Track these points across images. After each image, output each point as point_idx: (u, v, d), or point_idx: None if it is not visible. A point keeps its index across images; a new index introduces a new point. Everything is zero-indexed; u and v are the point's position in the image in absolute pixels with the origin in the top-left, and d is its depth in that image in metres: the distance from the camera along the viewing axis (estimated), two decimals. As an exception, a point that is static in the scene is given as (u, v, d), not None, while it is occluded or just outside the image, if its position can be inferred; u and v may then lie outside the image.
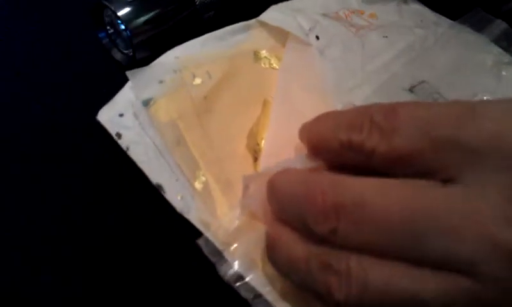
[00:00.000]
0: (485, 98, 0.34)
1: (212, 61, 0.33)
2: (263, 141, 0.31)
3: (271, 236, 0.25)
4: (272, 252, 0.25)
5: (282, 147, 0.29)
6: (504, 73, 0.36)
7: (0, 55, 0.37)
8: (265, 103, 0.32)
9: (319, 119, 0.26)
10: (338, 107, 0.32)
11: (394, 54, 0.36)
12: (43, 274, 0.28)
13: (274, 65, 0.34)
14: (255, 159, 0.30)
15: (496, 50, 0.37)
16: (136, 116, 0.30)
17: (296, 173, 0.24)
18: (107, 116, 0.30)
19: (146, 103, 0.30)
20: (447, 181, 0.21)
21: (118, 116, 0.30)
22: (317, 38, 0.35)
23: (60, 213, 0.30)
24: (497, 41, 0.38)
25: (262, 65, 0.34)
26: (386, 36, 0.37)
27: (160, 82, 0.31)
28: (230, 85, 0.32)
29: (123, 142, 0.30)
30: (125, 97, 0.31)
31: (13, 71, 0.36)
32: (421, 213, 0.20)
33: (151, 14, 0.34)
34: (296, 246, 0.24)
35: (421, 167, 0.22)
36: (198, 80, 0.32)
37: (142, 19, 0.34)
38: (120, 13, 0.33)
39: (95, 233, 0.29)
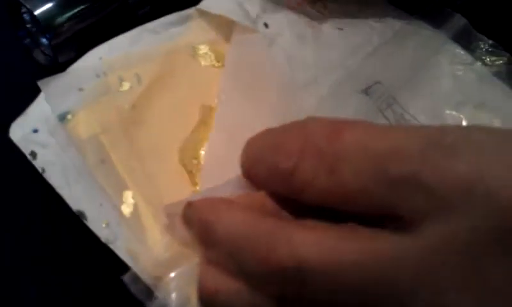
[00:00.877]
0: (447, 110, 0.32)
1: (142, 62, 0.29)
2: (201, 154, 0.27)
3: (203, 282, 0.22)
4: (205, 300, 0.22)
5: (225, 163, 0.26)
6: (461, 74, 0.33)
7: None
8: (203, 109, 0.28)
9: (253, 138, 0.22)
10: (292, 111, 0.28)
11: (350, 49, 0.33)
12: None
13: (216, 63, 0.30)
14: (191, 176, 0.27)
15: (454, 49, 0.34)
16: (51, 133, 0.26)
17: (234, 215, 0.20)
18: (19, 133, 0.27)
19: (63, 117, 0.26)
20: (400, 225, 0.18)
21: (32, 132, 0.27)
22: (266, 25, 0.32)
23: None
24: (456, 38, 0.35)
25: (202, 63, 0.30)
26: (341, 29, 0.34)
27: (80, 90, 0.27)
28: (163, 89, 0.28)
29: (38, 163, 0.26)
30: (39, 109, 0.27)
31: None
32: (369, 279, 0.18)
33: (73, 10, 0.30)
34: (235, 300, 0.21)
35: (372, 206, 0.18)
36: (125, 86, 0.28)
37: (63, 17, 0.30)
38: (37, 11, 0.29)
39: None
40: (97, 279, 0.26)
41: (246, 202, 0.23)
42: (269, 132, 0.21)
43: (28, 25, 0.32)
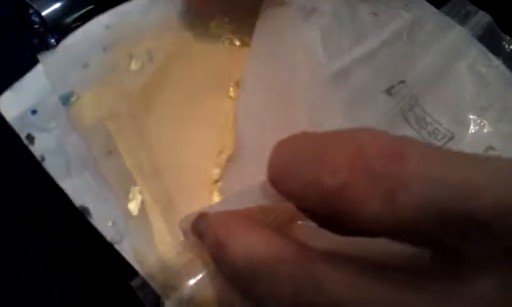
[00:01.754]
0: (470, 114, 0.30)
1: (155, 35, 0.26)
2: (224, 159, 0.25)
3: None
4: None
5: (247, 170, 0.24)
6: (485, 78, 0.32)
7: None
8: (233, 88, 0.26)
9: (285, 142, 0.18)
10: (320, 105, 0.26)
11: (382, 40, 0.31)
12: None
13: (235, 40, 0.27)
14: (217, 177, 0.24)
15: (479, 50, 0.33)
16: (52, 116, 0.23)
17: (252, 240, 0.18)
18: (15, 111, 0.23)
19: (66, 100, 0.23)
20: (455, 270, 0.16)
21: (30, 112, 0.23)
22: None
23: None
24: (480, 37, 0.33)
25: (220, 40, 0.27)
26: (376, 14, 0.32)
27: (85, 66, 0.24)
28: (176, 71, 0.26)
29: (36, 150, 0.23)
30: (38, 84, 0.24)
31: None
32: None
33: (81, 11, 0.29)
34: None
35: (430, 243, 0.16)
36: (135, 64, 0.25)
37: (70, 18, 0.28)
38: (45, 12, 0.28)
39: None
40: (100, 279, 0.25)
41: (266, 217, 0.21)
42: (306, 138, 0.18)
43: (36, 26, 0.31)
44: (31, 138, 0.23)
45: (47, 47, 0.30)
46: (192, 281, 0.22)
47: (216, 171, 0.24)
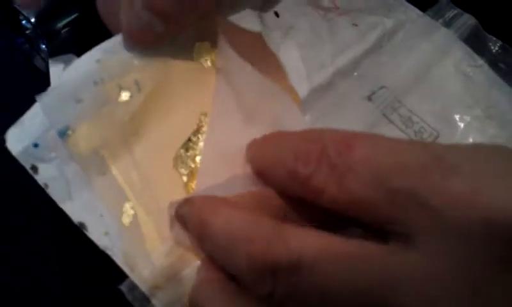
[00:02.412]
0: (455, 113, 0.31)
1: (141, 65, 0.28)
2: (197, 161, 0.27)
3: (199, 280, 0.23)
4: (194, 299, 0.23)
5: (222, 164, 0.26)
6: (470, 77, 0.33)
7: None
8: (201, 116, 0.28)
9: (265, 140, 0.23)
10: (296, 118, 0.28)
11: (364, 49, 0.32)
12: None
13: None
14: (187, 183, 0.26)
15: (464, 51, 0.34)
16: (52, 148, 0.26)
17: (232, 216, 0.21)
18: (19, 146, 0.26)
19: (63, 133, 0.26)
20: (401, 238, 0.18)
21: (33, 146, 0.26)
22: (276, 14, 0.31)
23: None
24: (466, 39, 0.34)
25: (204, 65, 0.30)
26: (357, 25, 0.33)
27: (78, 101, 0.26)
28: (162, 96, 0.28)
29: (40, 179, 0.26)
30: (38, 120, 0.26)
31: None
32: (363, 284, 0.18)
33: (71, 16, 0.31)
34: (222, 301, 0.22)
35: (375, 217, 0.19)
36: (124, 96, 0.27)
37: (61, 23, 0.30)
38: (34, 17, 0.29)
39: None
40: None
41: (244, 202, 0.23)
42: (289, 136, 0.22)
43: (27, 32, 0.33)
44: (34, 168, 0.26)
45: (37, 52, 0.33)
46: (179, 280, 0.24)
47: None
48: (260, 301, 0.21)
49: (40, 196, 0.26)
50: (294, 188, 0.21)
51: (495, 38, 0.35)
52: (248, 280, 0.20)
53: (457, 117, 0.31)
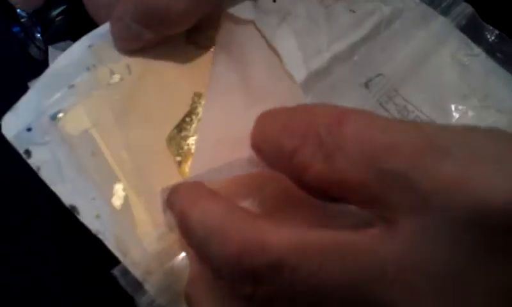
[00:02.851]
0: (451, 102, 0.31)
1: (133, 51, 0.28)
2: (190, 143, 0.27)
3: (190, 276, 0.23)
4: (187, 296, 0.22)
5: (219, 145, 0.26)
6: (467, 66, 0.32)
7: None
8: (193, 97, 0.28)
9: (265, 114, 0.22)
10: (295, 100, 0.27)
11: (361, 36, 0.32)
12: None
13: (211, 46, 0.30)
14: (181, 165, 0.26)
15: (461, 39, 0.33)
16: (45, 132, 0.26)
17: (208, 209, 0.20)
18: (13, 130, 0.26)
19: (54, 117, 0.26)
20: (387, 221, 0.18)
21: (26, 130, 0.26)
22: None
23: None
24: (463, 27, 0.34)
25: (196, 47, 0.30)
26: (354, 11, 0.33)
27: (71, 87, 0.27)
28: (154, 78, 0.28)
29: (33, 162, 0.26)
30: (32, 105, 0.27)
31: None
32: (346, 279, 0.18)
33: (66, 3, 0.30)
34: (209, 300, 0.21)
35: (364, 197, 0.18)
36: (115, 78, 0.27)
37: (56, 10, 0.30)
38: None
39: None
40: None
41: (234, 192, 0.23)
42: (279, 111, 0.22)
43: (22, 20, 0.33)
44: (28, 152, 0.26)
45: (32, 40, 0.33)
46: (171, 265, 0.23)
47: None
48: (247, 300, 0.20)
49: (40, 194, 0.26)
50: (280, 165, 0.21)
51: (491, 27, 0.34)
52: (226, 280, 0.20)
53: (452, 106, 0.31)
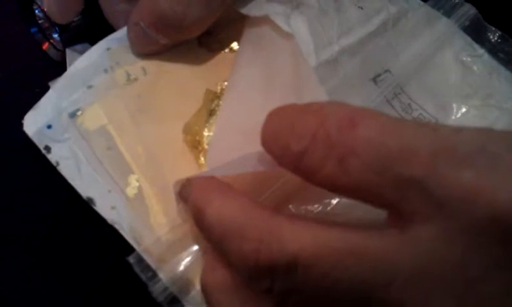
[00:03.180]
0: (454, 102, 0.32)
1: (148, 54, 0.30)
2: (205, 136, 0.28)
3: (205, 267, 0.23)
4: (203, 291, 0.22)
5: (233, 143, 0.27)
6: (470, 66, 0.33)
7: None
8: (206, 94, 0.29)
9: (274, 112, 0.21)
10: (306, 92, 0.28)
11: (369, 31, 0.33)
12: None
13: (221, 48, 0.32)
14: (195, 155, 0.28)
15: (464, 40, 0.34)
16: (65, 129, 0.28)
17: (225, 206, 0.21)
18: (34, 128, 0.28)
19: (73, 114, 0.28)
20: (401, 222, 0.18)
21: (46, 127, 0.28)
22: None
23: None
24: (466, 28, 0.35)
25: (207, 50, 0.31)
26: (362, 8, 0.34)
27: (89, 87, 0.28)
28: (168, 78, 0.30)
29: (52, 157, 0.27)
30: (52, 104, 0.28)
31: None
32: (359, 281, 0.18)
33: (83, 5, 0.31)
34: (224, 292, 0.21)
35: (377, 201, 0.18)
36: (131, 79, 0.29)
37: None
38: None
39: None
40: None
41: (248, 184, 0.24)
42: (289, 108, 0.21)
43: (40, 21, 0.34)
44: (47, 148, 0.27)
45: (50, 42, 0.34)
46: (185, 255, 0.25)
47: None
48: (262, 295, 0.20)
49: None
50: (288, 165, 0.20)
51: (494, 28, 0.35)
52: (243, 275, 0.20)
53: (455, 106, 0.32)
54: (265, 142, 0.21)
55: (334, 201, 0.25)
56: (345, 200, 0.22)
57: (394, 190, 0.17)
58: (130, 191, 0.26)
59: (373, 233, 0.18)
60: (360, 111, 0.19)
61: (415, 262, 0.17)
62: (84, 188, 0.26)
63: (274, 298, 0.20)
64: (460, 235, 0.16)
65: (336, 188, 0.19)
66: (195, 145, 0.28)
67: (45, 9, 0.31)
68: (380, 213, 0.19)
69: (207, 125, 0.29)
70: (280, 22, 0.29)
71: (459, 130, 0.18)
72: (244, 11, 0.30)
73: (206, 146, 0.28)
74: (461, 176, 0.16)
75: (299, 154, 0.19)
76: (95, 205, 0.26)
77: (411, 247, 0.17)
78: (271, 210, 0.20)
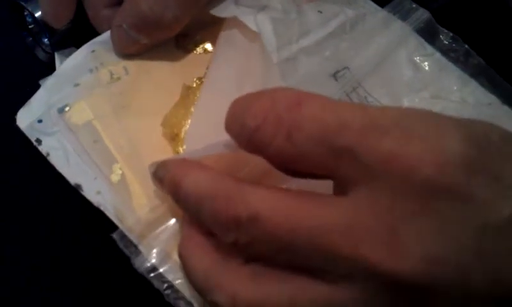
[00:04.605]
0: (405, 96, 0.35)
1: (129, 55, 0.33)
2: (183, 129, 0.31)
3: (181, 238, 0.26)
4: (180, 256, 0.26)
5: (208, 133, 0.29)
6: (421, 64, 0.37)
7: None
8: (183, 89, 0.33)
9: (235, 100, 0.25)
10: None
11: (327, 33, 0.36)
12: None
13: (196, 49, 0.35)
14: (173, 146, 0.31)
15: (417, 41, 0.38)
16: (54, 123, 0.31)
17: (201, 175, 0.24)
18: (26, 122, 0.31)
19: (62, 110, 0.31)
20: (341, 190, 0.21)
21: (37, 122, 0.31)
22: None
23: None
24: (420, 31, 0.38)
25: (184, 51, 0.35)
26: (320, 11, 0.37)
27: (76, 85, 0.31)
28: (148, 77, 0.33)
29: (43, 149, 0.30)
30: (42, 101, 0.31)
31: None
32: (304, 232, 0.21)
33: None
34: (198, 254, 0.24)
35: (319, 169, 0.22)
36: (114, 78, 0.32)
37: None
38: (38, 13, 0.34)
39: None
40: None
41: (217, 164, 0.26)
42: (247, 95, 0.24)
43: (30, 26, 0.37)
44: (38, 141, 0.30)
45: (39, 45, 0.37)
46: (162, 230, 0.28)
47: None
48: (230, 254, 0.23)
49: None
50: (244, 142, 0.23)
51: (446, 31, 0.39)
52: (215, 231, 0.24)
53: (406, 99, 0.35)
54: (227, 125, 0.24)
55: (294, 185, 0.28)
56: (304, 181, 0.25)
57: (332, 159, 0.21)
58: (114, 178, 0.29)
59: (320, 196, 0.22)
60: (305, 94, 0.22)
61: (348, 216, 0.20)
62: (72, 176, 0.29)
63: (240, 251, 0.23)
64: (383, 192, 0.20)
65: (284, 161, 0.22)
66: (173, 137, 0.31)
67: (41, 14, 0.34)
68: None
69: (184, 118, 0.32)
70: (248, 22, 0.33)
71: (383, 108, 0.22)
72: (216, 12, 0.34)
73: (183, 137, 0.31)
74: (381, 145, 0.20)
75: (253, 131, 0.22)
76: (82, 191, 0.29)
77: (346, 205, 0.21)
78: (239, 178, 0.24)
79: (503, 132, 0.21)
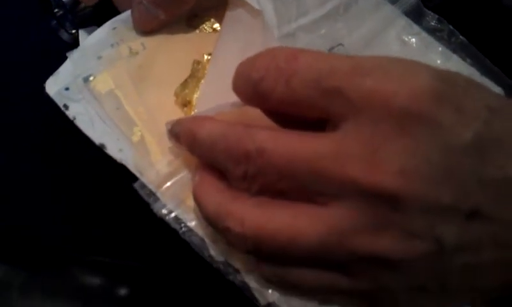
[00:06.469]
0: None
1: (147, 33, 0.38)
2: (194, 97, 0.35)
3: (196, 181, 0.30)
4: (195, 196, 0.29)
5: (216, 99, 0.33)
6: (408, 41, 0.41)
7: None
8: (194, 63, 0.37)
9: (241, 62, 0.28)
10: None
11: (323, 14, 0.40)
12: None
13: (208, 29, 0.39)
14: (187, 113, 0.35)
15: (405, 22, 0.42)
16: (80, 91, 0.35)
17: (214, 124, 0.28)
18: (54, 89, 0.35)
19: (86, 79, 0.35)
20: (333, 128, 0.25)
21: (64, 89, 0.35)
22: None
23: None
24: (408, 13, 0.42)
25: (197, 30, 0.39)
26: None
27: (99, 58, 0.36)
28: (163, 52, 0.37)
29: (70, 113, 0.34)
30: (69, 71, 0.35)
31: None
32: (301, 160, 0.25)
33: None
34: (211, 192, 0.28)
35: (314, 110, 0.25)
36: (133, 52, 0.36)
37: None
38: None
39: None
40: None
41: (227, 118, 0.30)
42: (250, 57, 0.28)
43: (55, 10, 0.41)
44: (66, 106, 0.34)
45: (64, 28, 0.41)
46: (177, 180, 0.31)
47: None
48: (239, 191, 0.27)
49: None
50: (249, 94, 0.27)
51: (432, 13, 0.43)
52: (227, 167, 0.27)
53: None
54: (234, 84, 0.28)
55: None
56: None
57: (324, 99, 0.25)
58: (135, 138, 0.33)
59: (315, 133, 0.25)
60: (300, 49, 0.26)
61: (337, 145, 0.24)
62: (97, 137, 0.33)
63: (249, 185, 0.26)
64: (367, 122, 0.24)
65: (284, 107, 0.26)
66: (185, 104, 0.35)
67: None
68: None
69: (195, 88, 0.36)
70: (252, 1, 0.37)
71: (368, 56, 0.26)
72: None
73: (194, 104, 0.35)
74: (364, 83, 0.24)
75: (258, 81, 0.26)
76: (106, 149, 0.33)
77: (336, 137, 0.24)
78: (248, 125, 0.27)
79: (468, 78, 0.25)
